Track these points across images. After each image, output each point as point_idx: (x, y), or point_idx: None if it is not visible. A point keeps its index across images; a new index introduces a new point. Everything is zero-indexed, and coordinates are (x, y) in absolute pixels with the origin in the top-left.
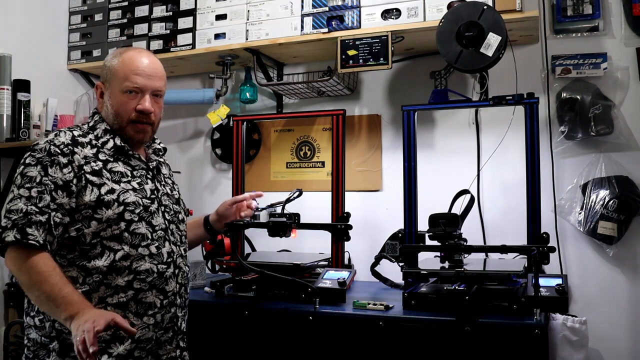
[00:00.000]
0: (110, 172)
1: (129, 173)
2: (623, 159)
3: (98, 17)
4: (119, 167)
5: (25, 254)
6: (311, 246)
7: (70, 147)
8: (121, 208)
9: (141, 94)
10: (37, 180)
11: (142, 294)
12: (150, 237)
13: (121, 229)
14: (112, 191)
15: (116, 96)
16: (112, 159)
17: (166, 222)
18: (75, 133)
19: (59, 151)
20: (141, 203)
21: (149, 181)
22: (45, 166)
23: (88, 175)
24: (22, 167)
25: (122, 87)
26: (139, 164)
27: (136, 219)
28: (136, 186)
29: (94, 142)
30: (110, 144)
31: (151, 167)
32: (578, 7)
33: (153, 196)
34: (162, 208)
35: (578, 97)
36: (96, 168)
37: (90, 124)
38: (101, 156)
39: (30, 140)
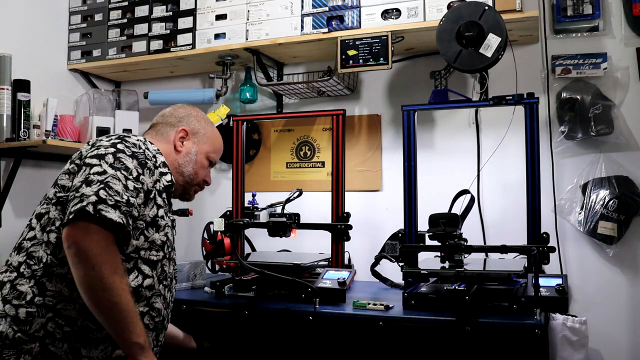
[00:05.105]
0: (163, 200)
1: (168, 212)
2: (623, 159)
3: (98, 17)
4: (164, 202)
5: (114, 244)
6: (311, 246)
7: (155, 158)
8: (164, 238)
9: (209, 167)
10: (134, 175)
11: (147, 332)
12: (166, 279)
13: (159, 257)
14: (163, 217)
15: (201, 158)
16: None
17: (173, 271)
18: (152, 148)
19: (150, 156)
20: (171, 246)
21: (171, 230)
22: (141, 164)
23: (155, 192)
24: (113, 149)
25: (211, 156)
26: (169, 208)
27: (167, 256)
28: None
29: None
30: (168, 177)
31: (172, 218)
32: (578, 7)
33: (173, 245)
34: (174, 258)
35: (578, 97)
36: (159, 189)
37: (151, 148)
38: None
39: (30, 141)
